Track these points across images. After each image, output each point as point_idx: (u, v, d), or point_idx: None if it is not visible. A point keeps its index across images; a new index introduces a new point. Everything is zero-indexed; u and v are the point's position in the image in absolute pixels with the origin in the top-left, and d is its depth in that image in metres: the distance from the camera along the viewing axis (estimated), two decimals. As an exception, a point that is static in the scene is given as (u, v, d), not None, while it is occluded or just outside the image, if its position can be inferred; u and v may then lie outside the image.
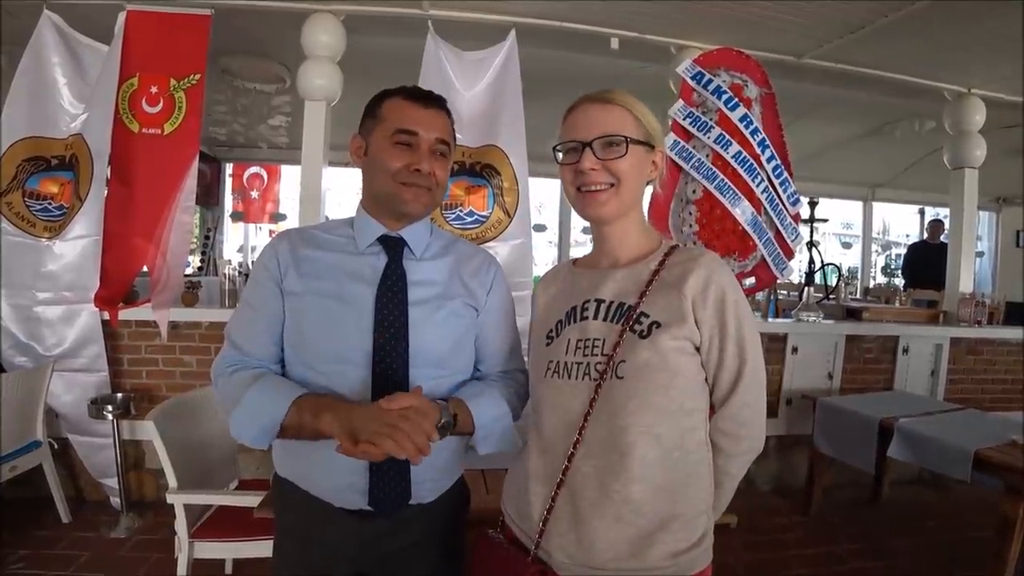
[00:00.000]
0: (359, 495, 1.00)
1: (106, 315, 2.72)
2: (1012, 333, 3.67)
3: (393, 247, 1.08)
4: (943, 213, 6.06)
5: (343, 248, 1.08)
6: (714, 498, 0.95)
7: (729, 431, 0.93)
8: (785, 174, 3.14)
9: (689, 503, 0.90)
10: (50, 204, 2.79)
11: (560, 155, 0.98)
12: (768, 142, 3.08)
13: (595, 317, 0.95)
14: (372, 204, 1.09)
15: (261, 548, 1.81)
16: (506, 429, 1.07)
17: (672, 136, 3.01)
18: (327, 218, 3.40)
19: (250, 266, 6.78)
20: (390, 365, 0.99)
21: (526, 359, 1.15)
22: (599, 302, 0.96)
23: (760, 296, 3.61)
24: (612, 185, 0.94)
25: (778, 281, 3.36)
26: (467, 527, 1.16)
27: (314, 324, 1.02)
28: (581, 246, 7.14)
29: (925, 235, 6.54)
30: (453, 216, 2.98)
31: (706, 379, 0.93)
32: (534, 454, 0.97)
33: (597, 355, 0.92)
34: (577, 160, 0.94)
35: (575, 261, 1.12)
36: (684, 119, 3.03)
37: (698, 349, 0.91)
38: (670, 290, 0.92)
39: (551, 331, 1.01)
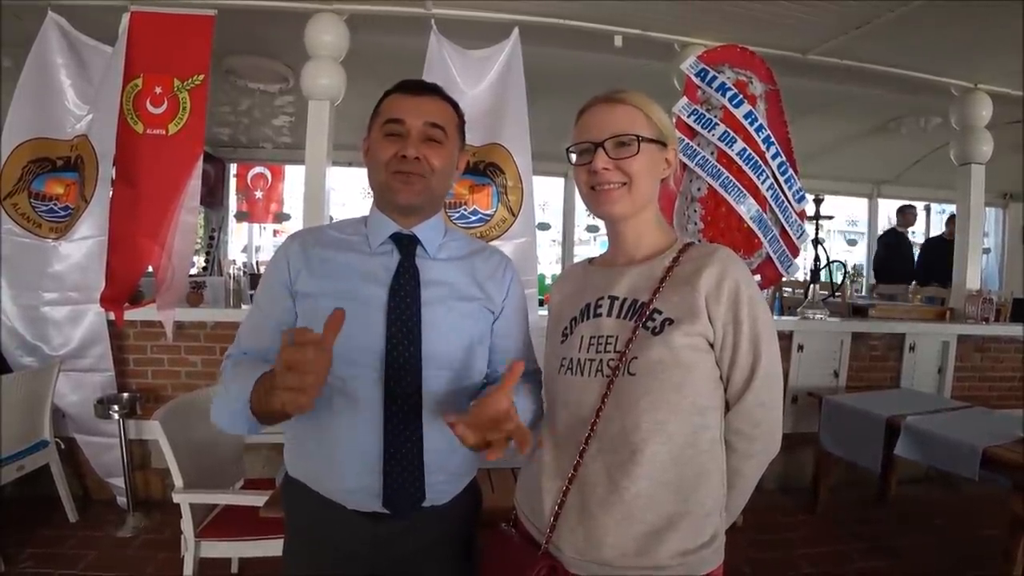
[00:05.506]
0: (373, 497, 0.98)
1: (112, 315, 2.74)
2: (1019, 330, 3.64)
3: (406, 245, 1.06)
4: (949, 210, 5.99)
5: (356, 247, 1.07)
6: (727, 499, 0.94)
7: (742, 430, 0.92)
8: (790, 171, 3.12)
9: (699, 502, 0.89)
10: (56, 205, 2.80)
11: (574, 156, 0.99)
12: (773, 139, 3.07)
13: (608, 314, 0.95)
14: (377, 199, 1.09)
15: (267, 547, 1.81)
16: None
17: (676, 134, 2.99)
18: (332, 218, 3.41)
19: (254, 266, 6.83)
20: (403, 366, 0.97)
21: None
22: (613, 299, 0.96)
23: (766, 294, 3.59)
24: (624, 184, 0.94)
25: (784, 279, 3.34)
26: (479, 527, 1.15)
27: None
28: (585, 244, 7.13)
29: (894, 222, 6.30)
30: (457, 215, 2.98)
31: (720, 376, 0.92)
32: (547, 449, 0.97)
33: (610, 352, 0.92)
34: (590, 160, 0.94)
35: (591, 260, 1.12)
36: (688, 116, 3.03)
37: (712, 346, 0.90)
38: (683, 286, 0.91)
39: (566, 328, 1.01)
